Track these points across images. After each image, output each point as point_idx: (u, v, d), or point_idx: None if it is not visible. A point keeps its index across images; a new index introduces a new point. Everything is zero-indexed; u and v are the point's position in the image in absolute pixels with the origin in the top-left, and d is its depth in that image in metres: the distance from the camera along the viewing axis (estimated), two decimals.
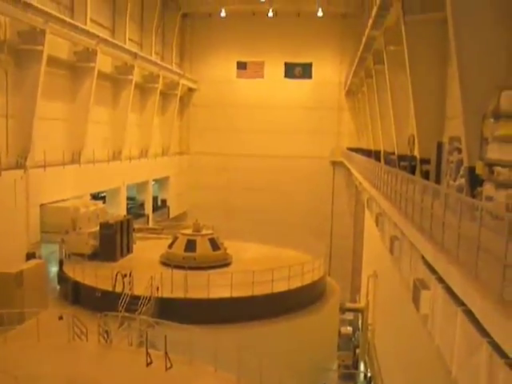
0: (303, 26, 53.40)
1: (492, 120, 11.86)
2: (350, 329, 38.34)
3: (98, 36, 33.56)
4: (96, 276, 24.19)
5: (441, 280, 9.75)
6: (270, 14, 52.41)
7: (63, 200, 30.36)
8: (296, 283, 25.28)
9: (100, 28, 36.91)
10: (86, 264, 26.09)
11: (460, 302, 8.39)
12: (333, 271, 41.76)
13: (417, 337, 16.03)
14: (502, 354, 6.48)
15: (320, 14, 51.62)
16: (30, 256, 26.90)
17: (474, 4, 13.38)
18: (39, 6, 26.75)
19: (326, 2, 48.57)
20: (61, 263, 28.28)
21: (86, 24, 33.05)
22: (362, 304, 36.76)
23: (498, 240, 6.99)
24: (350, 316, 38.09)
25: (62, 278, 26.98)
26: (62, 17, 29.58)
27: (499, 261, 6.76)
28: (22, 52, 27.72)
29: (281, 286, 24.53)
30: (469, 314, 7.91)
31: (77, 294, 25.01)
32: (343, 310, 33.50)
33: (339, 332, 33.36)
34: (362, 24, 35.53)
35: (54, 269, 29.49)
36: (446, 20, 14.34)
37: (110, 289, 23.50)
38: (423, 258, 11.41)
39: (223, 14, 53.10)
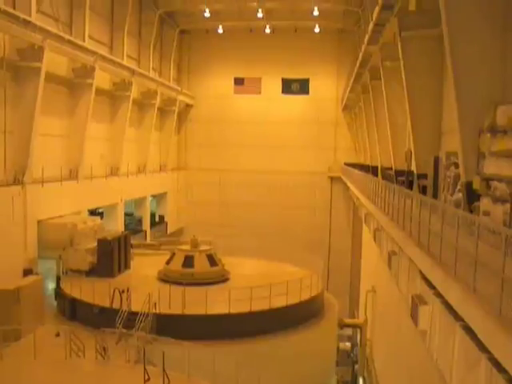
0: (300, 41, 53.73)
1: (488, 135, 11.91)
2: (348, 344, 38.21)
3: (96, 53, 33.71)
4: (93, 292, 24.11)
5: (439, 295, 9.73)
6: (267, 30, 52.74)
7: (61, 216, 30.34)
8: (294, 299, 25.20)
9: (98, 44, 37.07)
10: (83, 280, 26.04)
11: (458, 317, 8.36)
12: (331, 286, 41.67)
13: (415, 352, 15.97)
14: (502, 369, 6.45)
15: (317, 29, 51.99)
16: (28, 272, 26.79)
17: (469, 20, 13.49)
18: (38, 23, 26.90)
19: (323, 17, 48.83)
20: (58, 279, 28.20)
21: (84, 41, 33.20)
22: (360, 319, 36.61)
23: (496, 254, 6.99)
24: (348, 331, 37.93)
25: (59, 294, 26.88)
26: (61, 34, 29.73)
27: (497, 275, 6.76)
28: (20, 68, 27.83)
29: (279, 302, 24.45)
30: (467, 329, 7.88)
31: (74, 311, 24.92)
32: (341, 326, 33.33)
33: (338, 348, 33.21)
34: (358, 39, 35.77)
35: (52, 285, 29.39)
36: (442, 36, 14.43)
37: (108, 305, 23.42)
38: (421, 273, 11.39)
39: (220, 30, 53.45)
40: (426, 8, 19.60)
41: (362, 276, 42.88)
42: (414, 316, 11.15)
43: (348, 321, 36.59)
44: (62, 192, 31.30)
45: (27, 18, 26.01)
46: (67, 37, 30.38)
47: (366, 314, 34.09)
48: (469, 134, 13.10)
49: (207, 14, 48.35)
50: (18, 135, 27.75)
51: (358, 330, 35.70)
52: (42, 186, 28.91)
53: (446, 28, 13.73)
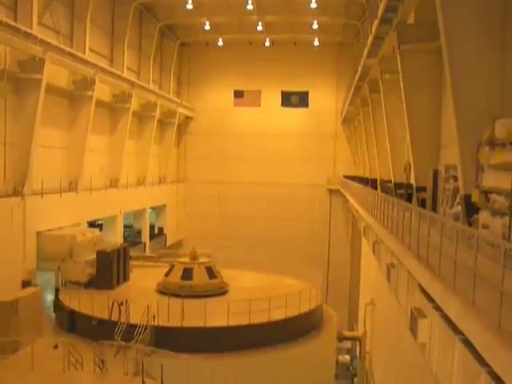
0: (300, 54, 53.98)
1: (487, 148, 11.95)
2: (347, 357, 38.10)
3: (96, 65, 33.85)
4: (92, 304, 24.04)
5: (438, 308, 9.73)
6: (267, 43, 53.07)
7: (60, 228, 30.32)
8: (293, 312, 25.13)
9: (98, 57, 37.24)
10: (82, 292, 25.97)
11: (458, 331, 8.35)
12: (330, 299, 41.59)
13: (415, 365, 15.92)
14: (501, 383, 6.44)
15: (316, 43, 52.31)
16: (26, 284, 26.76)
17: (468, 34, 13.57)
18: (39, 35, 27.04)
19: (322, 31, 49.09)
20: (57, 291, 28.13)
21: (84, 53, 33.36)
22: (359, 332, 36.54)
23: (495, 267, 6.99)
24: (347, 344, 37.83)
25: (57, 306, 26.81)
26: (62, 46, 29.89)
27: (496, 288, 6.76)
28: (21, 80, 27.95)
29: (278, 315, 24.37)
30: (467, 342, 7.87)
31: (72, 323, 24.83)
32: (341, 339, 33.25)
33: (337, 361, 33.11)
34: (357, 52, 35.95)
35: (50, 297, 29.32)
36: (440, 49, 14.53)
37: (106, 317, 23.35)
38: (420, 286, 11.39)
39: (220, 43, 53.75)
40: (425, 22, 19.73)
41: (361, 289, 42.81)
42: (413, 329, 11.13)
43: (347, 334, 36.51)
44: (62, 204, 31.31)
45: (28, 30, 26.16)
46: (68, 49, 30.53)
47: (365, 326, 34.02)
48: (468, 147, 13.14)
49: (207, 27, 48.60)
50: (18, 146, 27.81)
51: (357, 343, 35.60)
52: (42, 197, 28.94)
53: (444, 41, 13.81)
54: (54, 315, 27.11)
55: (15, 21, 26.75)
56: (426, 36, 19.63)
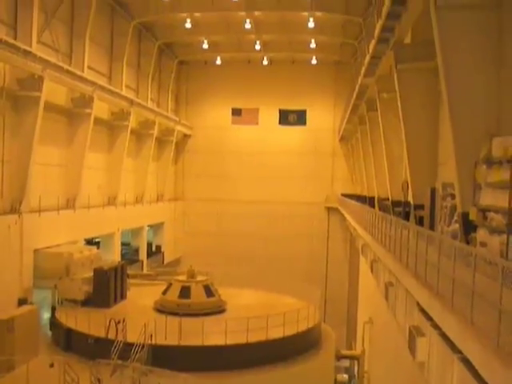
0: (297, 73, 54.29)
1: (484, 166, 12.00)
2: (345, 376, 37.81)
3: (94, 83, 33.98)
4: (89, 322, 23.88)
5: (436, 327, 9.70)
6: (265, 62, 53.38)
7: (57, 245, 30.24)
8: (291, 330, 25.00)
9: (97, 74, 37.39)
10: (78, 310, 25.83)
11: (456, 349, 8.32)
12: (328, 317, 41.43)
13: None
14: None
15: (314, 61, 52.66)
16: (22, 302, 26.61)
17: (464, 53, 13.69)
18: (38, 53, 27.19)
19: (320, 50, 49.43)
20: (53, 309, 27.99)
21: (83, 71, 33.50)
22: (357, 351, 36.33)
23: (493, 286, 6.99)
24: (345, 363, 37.59)
25: (54, 324, 26.64)
26: (60, 64, 30.02)
27: (494, 307, 6.75)
28: (19, 98, 28.02)
29: (276, 333, 24.24)
30: (465, 361, 7.85)
31: (69, 341, 24.64)
32: (339, 357, 33.05)
33: (335, 379, 32.83)
34: (355, 71, 36.15)
35: (47, 315, 29.16)
36: (437, 68, 14.63)
37: (103, 336, 23.17)
38: (418, 304, 11.36)
39: (219, 61, 54.05)
40: (422, 41, 19.90)
41: (359, 307, 42.68)
42: (412, 348, 11.10)
43: (345, 352, 36.29)
44: (59, 221, 31.25)
45: (28, 48, 26.31)
46: (66, 67, 30.68)
47: (363, 345, 33.86)
48: (465, 165, 13.20)
49: (205, 46, 48.88)
50: (16, 164, 27.82)
51: (356, 362, 35.39)
52: (39, 214, 28.90)
53: (440, 61, 13.93)
54: (50, 333, 26.95)
55: (15, 39, 26.91)
56: (422, 55, 19.79)
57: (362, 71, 28.97)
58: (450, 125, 13.80)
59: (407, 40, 22.25)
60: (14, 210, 27.38)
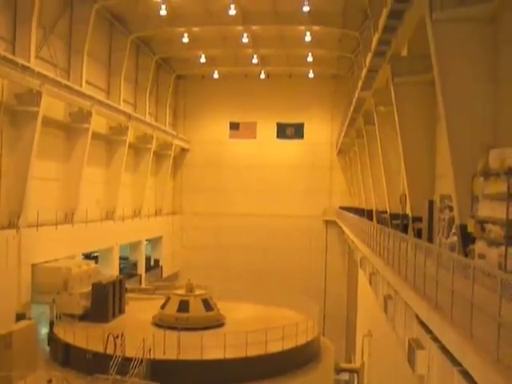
0: (295, 86, 54.48)
1: (482, 178, 12.03)
2: None
3: (92, 97, 34.07)
4: (87, 337, 23.79)
5: (436, 339, 9.67)
6: (262, 76, 53.53)
7: (55, 260, 30.15)
8: (290, 344, 24.92)
9: (95, 89, 37.50)
10: (76, 325, 25.72)
11: (456, 362, 8.30)
12: (327, 331, 41.26)
13: None
14: None
15: (311, 75, 52.86)
16: (20, 317, 26.47)
17: (460, 66, 13.78)
18: (36, 68, 27.28)
19: (317, 63, 49.63)
20: (51, 324, 27.85)
21: (81, 86, 33.60)
22: (357, 364, 36.20)
23: (492, 298, 6.99)
24: (345, 376, 37.46)
25: (52, 339, 26.50)
26: (58, 79, 30.12)
27: (494, 319, 6.74)
28: (17, 113, 28.08)
29: (275, 347, 24.16)
30: (465, 374, 7.82)
31: (67, 356, 24.51)
32: (338, 371, 32.95)
33: None
34: (352, 84, 36.32)
35: (45, 330, 29.00)
36: (433, 81, 14.72)
37: (102, 350, 23.06)
38: (417, 317, 11.34)
39: (216, 75, 54.20)
40: (418, 54, 20.02)
41: (358, 320, 42.55)
42: (411, 360, 11.06)
43: (345, 365, 36.19)
44: (57, 236, 31.18)
45: (26, 63, 26.39)
46: (64, 82, 30.77)
47: (362, 358, 33.74)
48: (462, 177, 13.23)
49: (203, 60, 49.01)
50: (14, 179, 27.81)
51: (355, 375, 35.27)
52: (37, 229, 28.83)
53: (437, 74, 14.01)
54: (48, 349, 26.81)
55: (13, 54, 27.03)
56: (419, 68, 19.91)
57: (359, 84, 29.13)
58: (447, 137, 13.85)
59: (404, 53, 22.39)
60: (12, 224, 27.34)
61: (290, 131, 55.71)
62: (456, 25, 13.84)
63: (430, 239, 17.61)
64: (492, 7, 13.43)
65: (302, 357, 25.99)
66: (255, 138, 56.24)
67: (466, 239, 12.90)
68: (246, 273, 52.33)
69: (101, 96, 36.98)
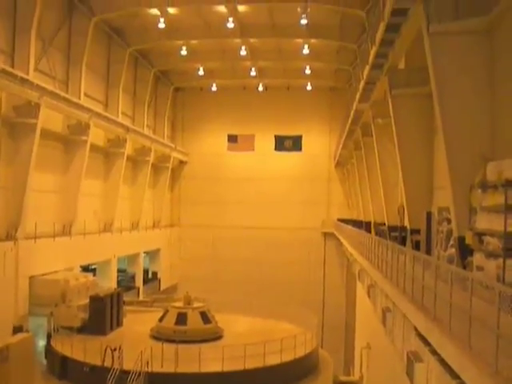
0: (293, 99, 54.65)
1: (479, 190, 12.04)
2: None
3: (91, 110, 34.14)
4: (84, 350, 23.68)
5: (434, 352, 9.64)
6: (261, 88, 53.69)
7: (53, 272, 30.07)
8: (288, 356, 24.85)
9: (94, 102, 37.60)
10: (74, 337, 25.61)
11: (455, 375, 8.27)
12: (325, 343, 41.17)
13: None
14: None
15: (309, 87, 53.05)
16: (17, 329, 26.37)
17: (457, 78, 13.84)
18: (35, 81, 27.34)
19: (315, 76, 49.82)
20: (49, 337, 27.73)
21: (79, 98, 33.69)
22: (355, 377, 36.02)
23: (491, 310, 6.98)
24: None
25: (49, 351, 26.38)
26: (57, 91, 30.19)
27: (492, 331, 6.73)
28: (16, 125, 28.14)
29: (273, 360, 24.10)
30: None
31: (64, 369, 24.38)
32: (337, 383, 32.78)
33: None
34: (349, 96, 36.41)
35: (42, 342, 28.88)
36: (431, 93, 14.77)
37: (99, 363, 22.96)
38: (416, 329, 11.31)
39: (214, 88, 54.35)
40: (415, 67, 20.11)
41: (356, 332, 42.39)
42: (410, 373, 11.02)
43: (343, 378, 36.02)
44: (55, 248, 31.13)
45: (25, 76, 26.48)
46: (63, 94, 30.85)
47: (361, 370, 33.56)
48: (460, 189, 13.26)
49: (201, 72, 49.17)
50: (12, 191, 27.81)
51: None
52: (35, 241, 28.80)
53: (434, 86, 14.07)
54: (45, 361, 26.67)
55: (12, 67, 27.11)
56: (416, 80, 19.99)
57: (357, 97, 29.21)
58: (445, 149, 13.89)
59: (401, 66, 22.49)
60: (10, 236, 27.31)
61: (288, 143, 55.72)
62: (453, 37, 13.93)
63: (428, 251, 17.60)
64: (488, 20, 13.51)
65: (301, 369, 25.90)
66: (253, 150, 56.18)
67: (464, 251, 12.90)
68: (244, 285, 52.16)
69: (99, 108, 37.09)
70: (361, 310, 37.40)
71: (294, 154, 55.86)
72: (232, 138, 56.31)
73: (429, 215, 18.16)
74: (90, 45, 34.67)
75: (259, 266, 54.25)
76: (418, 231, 19.52)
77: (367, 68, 23.82)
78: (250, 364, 23.37)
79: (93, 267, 40.53)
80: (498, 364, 6.50)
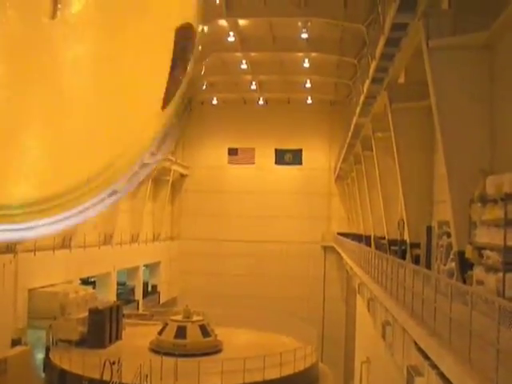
0: (293, 112, 54.65)
1: (479, 204, 12.07)
2: None
3: None
4: (83, 363, 23.56)
5: (434, 366, 9.61)
6: (261, 102, 53.87)
7: (52, 285, 30.00)
8: (288, 370, 24.74)
9: None
10: (73, 351, 25.50)
11: None
12: (325, 357, 40.98)
13: None
14: None
15: (309, 101, 53.20)
16: (16, 342, 26.28)
17: (456, 92, 13.90)
18: None
19: (315, 90, 49.98)
20: (47, 350, 27.61)
21: None
22: None
23: (490, 324, 6.97)
24: None
25: (47, 365, 26.26)
26: None
27: (492, 345, 6.72)
28: None
29: (272, 374, 23.98)
30: None
31: (63, 383, 24.28)
32: None
33: None
34: (350, 110, 36.52)
35: (41, 355, 28.75)
36: (430, 108, 14.83)
37: (98, 377, 22.85)
38: (416, 343, 11.28)
39: (215, 101, 54.50)
40: (415, 81, 20.20)
41: (356, 346, 42.20)
42: None
43: None
44: (54, 260, 31.07)
45: None
46: None
47: None
48: (460, 203, 13.27)
49: (203, 86, 49.31)
50: None
51: None
52: (35, 254, 28.74)
53: (434, 100, 14.13)
54: (43, 375, 26.54)
55: None
56: (416, 95, 20.06)
57: (357, 111, 29.31)
58: (445, 163, 13.92)
59: (401, 80, 22.58)
60: (10, 249, 27.24)
61: (288, 157, 55.82)
62: (452, 52, 14.01)
63: (428, 265, 17.58)
64: (487, 35, 13.59)
65: (301, 383, 25.77)
66: (254, 163, 56.21)
67: (464, 265, 12.89)
68: (243, 298, 51.94)
69: None
70: (361, 324, 37.27)
71: (294, 168, 55.90)
72: (232, 152, 56.39)
73: (429, 229, 18.16)
74: None
75: (259, 279, 54.09)
76: (417, 245, 19.52)
77: (367, 82, 23.94)
78: (250, 378, 23.27)
79: (92, 280, 40.47)
80: (498, 379, 6.49)
